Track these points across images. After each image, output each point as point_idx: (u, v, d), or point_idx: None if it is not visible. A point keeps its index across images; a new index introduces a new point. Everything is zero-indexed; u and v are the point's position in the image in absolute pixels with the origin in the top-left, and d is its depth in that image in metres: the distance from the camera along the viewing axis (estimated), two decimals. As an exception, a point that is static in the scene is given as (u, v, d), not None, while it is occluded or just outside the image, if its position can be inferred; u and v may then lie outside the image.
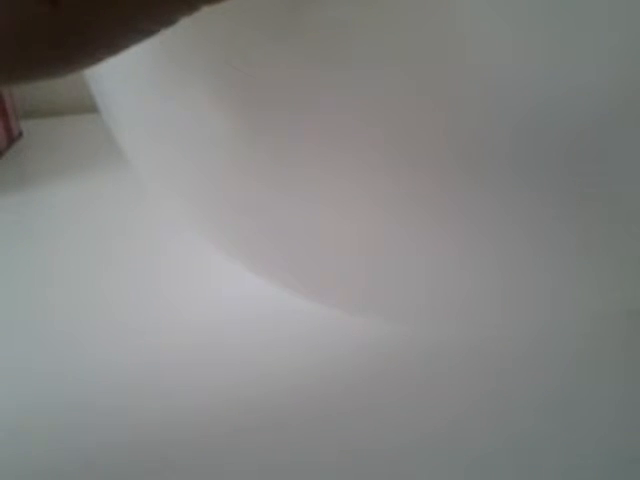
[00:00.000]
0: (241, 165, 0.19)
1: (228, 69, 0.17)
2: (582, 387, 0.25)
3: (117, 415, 0.26)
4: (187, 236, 0.35)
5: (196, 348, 0.29)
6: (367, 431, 0.24)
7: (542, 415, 0.24)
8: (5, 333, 0.31)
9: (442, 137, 0.17)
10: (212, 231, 0.24)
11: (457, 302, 0.21)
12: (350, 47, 0.16)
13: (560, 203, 0.17)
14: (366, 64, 0.16)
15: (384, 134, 0.17)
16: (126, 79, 0.20)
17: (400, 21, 0.15)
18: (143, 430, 0.25)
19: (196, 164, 0.21)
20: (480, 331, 0.27)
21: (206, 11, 0.14)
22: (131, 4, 0.13)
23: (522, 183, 0.17)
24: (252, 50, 0.17)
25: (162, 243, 0.37)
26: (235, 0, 0.14)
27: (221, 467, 0.23)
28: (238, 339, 0.29)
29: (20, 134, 0.55)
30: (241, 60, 0.17)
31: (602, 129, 0.16)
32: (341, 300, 0.24)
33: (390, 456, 0.23)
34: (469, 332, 0.28)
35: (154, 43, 0.15)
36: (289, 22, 0.16)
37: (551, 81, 0.15)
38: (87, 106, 0.58)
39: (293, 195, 0.19)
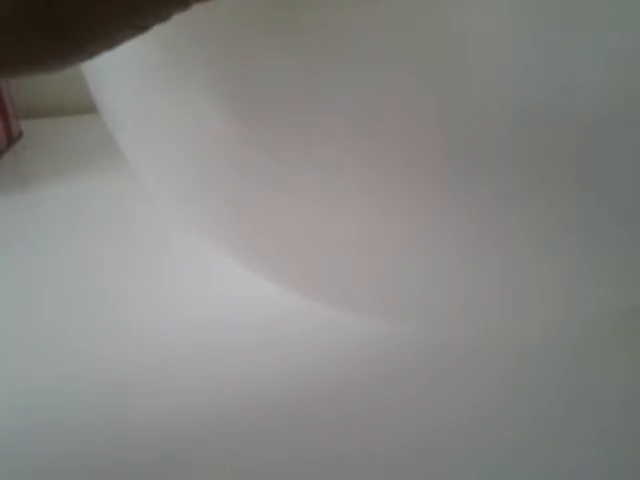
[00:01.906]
0: (239, 165, 0.19)
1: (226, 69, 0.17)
2: (583, 387, 0.25)
3: (116, 414, 0.26)
4: (187, 236, 0.35)
5: (196, 347, 0.29)
6: (367, 431, 0.24)
7: (543, 415, 0.24)
8: (4, 333, 0.31)
9: (441, 137, 0.17)
10: (211, 231, 0.24)
11: (457, 302, 0.21)
12: (349, 46, 0.16)
13: (560, 202, 0.17)
14: (364, 64, 0.16)
15: (383, 133, 0.17)
16: (124, 80, 0.20)
17: (399, 21, 0.15)
18: (143, 429, 0.25)
19: (195, 164, 0.21)
20: (480, 331, 0.27)
21: (202, 9, 0.14)
22: (122, 0, 0.13)
23: (522, 183, 0.17)
24: (251, 50, 0.17)
25: (161, 243, 0.37)
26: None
27: (221, 466, 0.23)
28: (237, 338, 0.29)
29: (20, 134, 0.55)
30: (240, 59, 0.17)
31: (602, 129, 0.16)
32: (341, 299, 0.24)
33: (390, 456, 0.23)
34: (469, 332, 0.28)
35: (153, 43, 0.15)
36: (288, 21, 0.16)
37: (551, 81, 0.15)
38: (87, 106, 0.58)
39: (292, 194, 0.19)
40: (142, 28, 0.14)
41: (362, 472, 0.23)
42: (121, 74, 0.20)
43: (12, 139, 0.53)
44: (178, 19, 0.14)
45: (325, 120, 0.17)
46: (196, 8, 0.14)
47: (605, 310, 0.23)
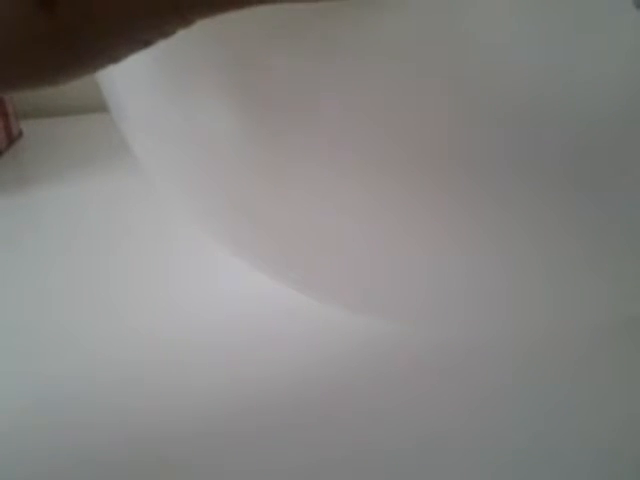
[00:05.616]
0: (243, 164, 0.19)
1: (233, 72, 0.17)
2: (584, 387, 0.25)
3: (117, 413, 0.26)
4: (187, 235, 0.35)
5: (197, 347, 0.29)
6: (367, 431, 0.24)
7: (543, 416, 0.24)
8: (5, 333, 0.31)
9: (444, 137, 0.17)
10: (214, 228, 0.24)
11: (458, 303, 0.21)
12: (351, 47, 0.16)
13: (562, 203, 0.17)
14: (368, 64, 0.16)
15: (386, 134, 0.17)
16: (133, 78, 0.20)
17: (401, 21, 0.15)
18: (143, 428, 0.25)
19: (200, 162, 0.21)
20: (481, 332, 0.27)
21: (202, 23, 0.14)
22: (125, 16, 0.13)
23: (524, 184, 0.17)
24: (256, 52, 0.17)
25: (162, 243, 0.37)
26: (240, 9, 0.14)
27: (220, 466, 0.23)
28: (239, 337, 0.29)
29: (20, 134, 0.55)
30: (245, 61, 0.17)
31: (603, 129, 0.16)
32: (342, 299, 0.24)
33: (390, 456, 0.23)
34: (470, 333, 0.28)
35: (162, 45, 0.15)
36: (292, 24, 0.16)
37: (552, 81, 0.15)
38: (87, 106, 0.58)
39: (296, 194, 0.19)
40: (145, 43, 0.14)
41: (362, 472, 0.23)
42: (130, 73, 0.20)
43: (12, 139, 0.53)
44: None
45: (329, 120, 0.17)
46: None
47: (606, 311, 0.23)
